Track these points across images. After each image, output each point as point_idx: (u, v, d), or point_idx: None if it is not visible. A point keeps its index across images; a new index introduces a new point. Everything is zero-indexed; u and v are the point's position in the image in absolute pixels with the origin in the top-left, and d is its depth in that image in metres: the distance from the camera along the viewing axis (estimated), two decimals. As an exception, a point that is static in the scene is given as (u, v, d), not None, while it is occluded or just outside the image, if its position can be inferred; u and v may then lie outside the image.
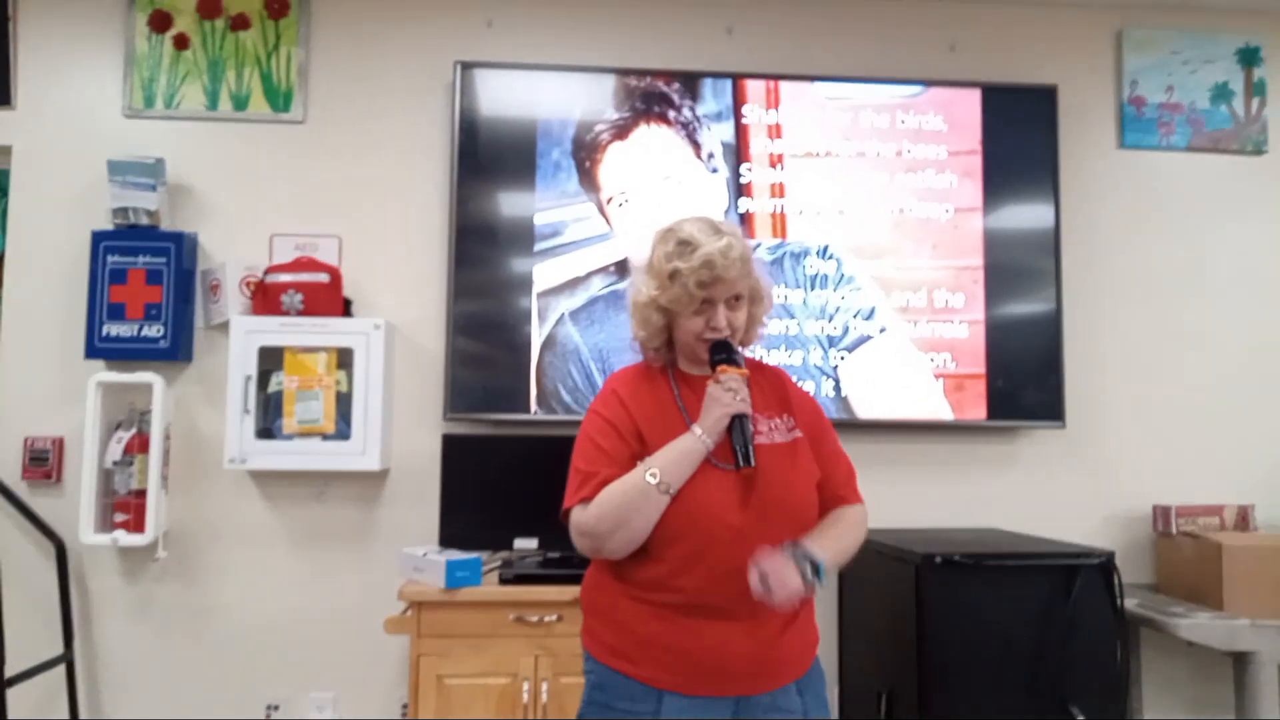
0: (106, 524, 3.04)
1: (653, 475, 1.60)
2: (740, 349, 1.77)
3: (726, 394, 1.65)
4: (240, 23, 3.28)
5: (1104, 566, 2.66)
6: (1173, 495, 3.31)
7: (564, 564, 2.85)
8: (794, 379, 1.92)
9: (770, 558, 1.56)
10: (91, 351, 3.07)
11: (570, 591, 2.69)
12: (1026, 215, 3.34)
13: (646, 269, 1.74)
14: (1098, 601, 2.66)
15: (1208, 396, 3.44)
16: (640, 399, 1.73)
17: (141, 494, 3.03)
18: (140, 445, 3.05)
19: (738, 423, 1.65)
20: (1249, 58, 3.52)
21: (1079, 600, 2.63)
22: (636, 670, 1.64)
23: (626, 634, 1.67)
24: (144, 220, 3.12)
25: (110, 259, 3.10)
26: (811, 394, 2.14)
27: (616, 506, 1.60)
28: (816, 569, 1.58)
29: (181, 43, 3.26)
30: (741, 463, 1.63)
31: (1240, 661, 2.81)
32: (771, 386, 1.83)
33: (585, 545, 1.66)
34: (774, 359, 3.20)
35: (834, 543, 1.70)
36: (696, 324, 1.70)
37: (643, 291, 1.72)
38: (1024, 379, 3.30)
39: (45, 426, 3.13)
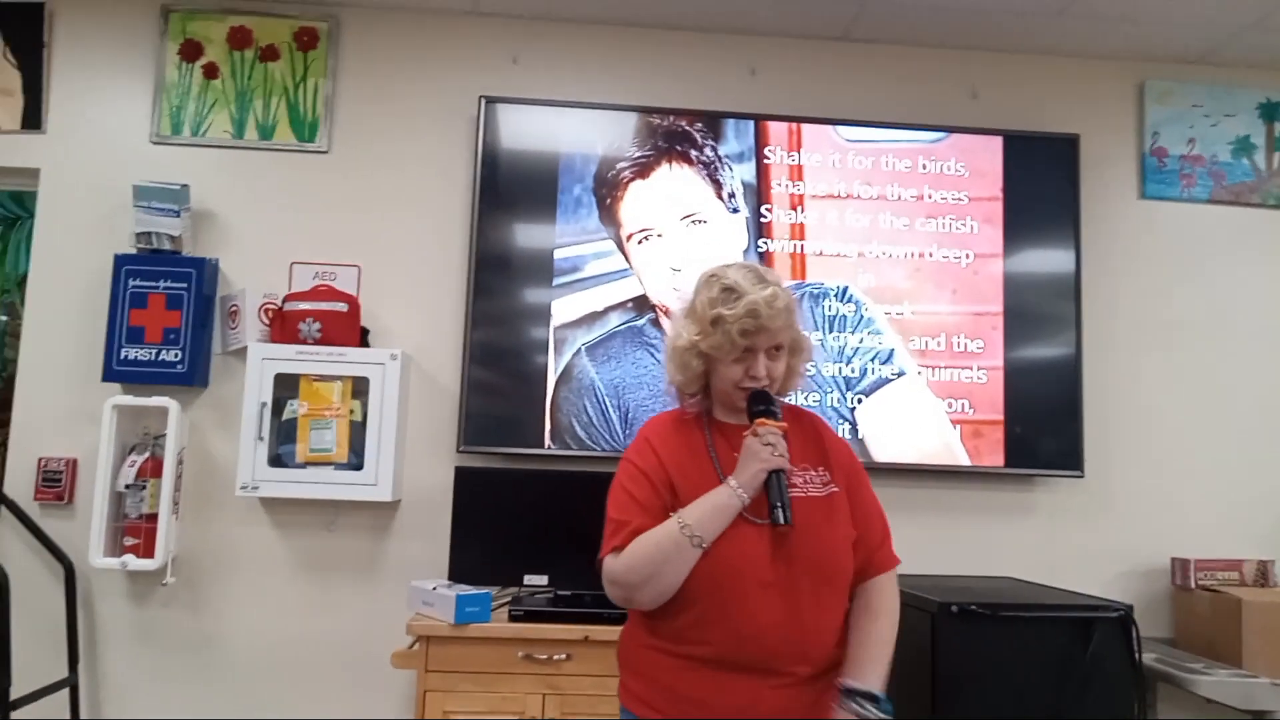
0: (116, 547, 3.03)
1: (685, 528, 1.58)
2: (778, 398, 1.74)
3: (765, 449, 1.62)
4: (270, 54, 3.32)
5: (1122, 620, 2.62)
6: (1192, 548, 3.27)
7: (575, 602, 2.82)
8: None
9: None
10: (109, 374, 3.08)
11: (581, 630, 2.67)
12: (1047, 263, 3.34)
13: (688, 313, 1.72)
14: (1115, 655, 2.61)
15: (1228, 449, 3.41)
16: (672, 447, 1.71)
17: (152, 518, 3.02)
18: (153, 469, 3.05)
19: (774, 478, 1.61)
20: (1270, 112, 3.53)
21: (1096, 653, 2.59)
22: (658, 717, 1.62)
23: (655, 685, 1.65)
24: (167, 245, 3.14)
25: (131, 283, 3.11)
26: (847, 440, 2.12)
27: (648, 558, 1.59)
28: (878, 702, 1.59)
29: (211, 72, 3.30)
30: (781, 520, 1.59)
31: (1260, 721, 2.76)
32: (808, 436, 1.79)
33: (617, 595, 1.64)
34: (793, 401, 3.18)
35: (881, 664, 1.67)
36: (736, 372, 1.68)
37: (683, 336, 1.70)
38: (1042, 427, 3.27)
39: (59, 448, 3.13)
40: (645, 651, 1.68)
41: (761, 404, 1.69)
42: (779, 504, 1.60)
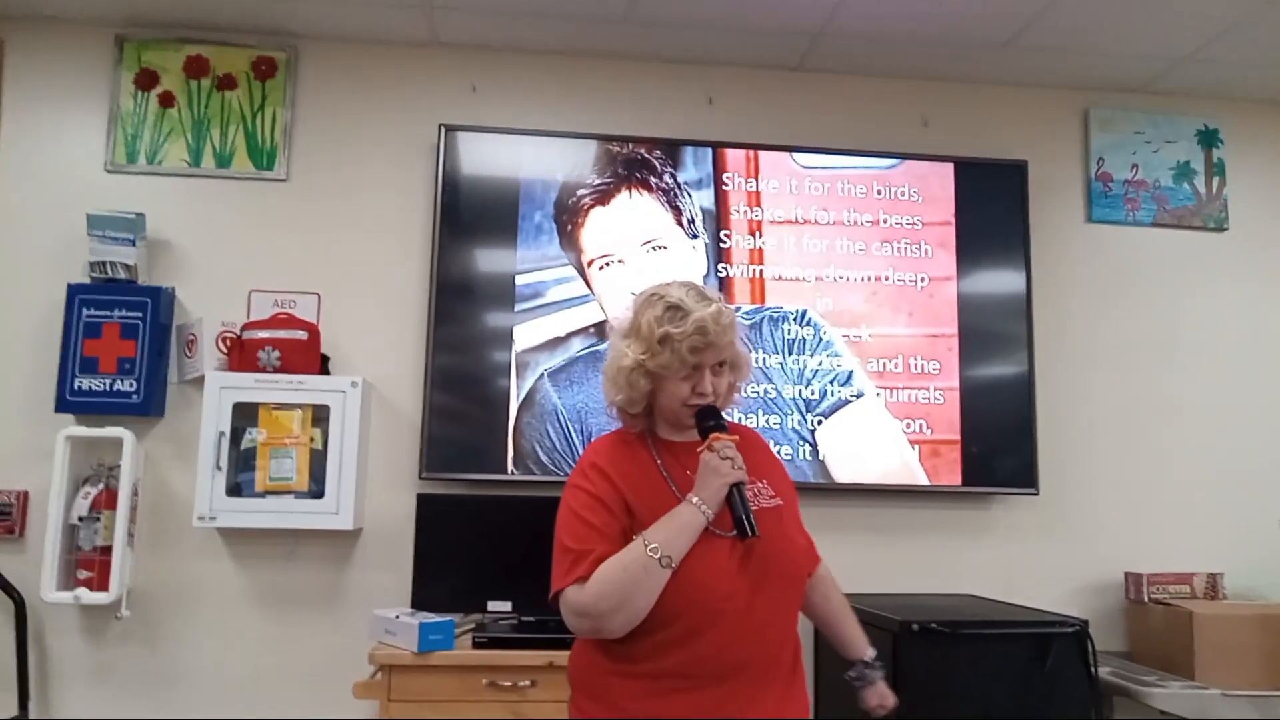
0: (69, 581, 2.97)
1: (654, 550, 1.57)
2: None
3: (724, 463, 1.64)
4: (227, 83, 3.31)
5: (1078, 635, 2.68)
6: (1145, 562, 3.34)
7: (539, 628, 2.82)
8: (771, 442, 1.94)
9: (888, 692, 1.89)
10: (62, 405, 3.03)
11: (545, 656, 2.66)
12: (999, 285, 3.42)
13: (630, 333, 1.72)
14: (1072, 670, 2.67)
15: (1178, 464, 3.50)
16: (623, 470, 1.70)
17: (107, 550, 2.97)
18: (108, 501, 3.00)
19: (736, 491, 1.63)
20: (1209, 139, 3.66)
21: (1054, 669, 2.64)
22: None
23: (618, 711, 1.62)
24: (121, 274, 3.10)
25: (85, 312, 3.07)
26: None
27: (617, 585, 1.56)
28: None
29: (167, 100, 3.28)
30: (748, 532, 1.61)
31: (1213, 732, 2.81)
32: (751, 450, 1.81)
33: (584, 626, 1.60)
34: (753, 423, 3.22)
35: (859, 627, 1.94)
36: (683, 390, 1.69)
37: (628, 355, 1.68)
38: (998, 446, 3.34)
39: (10, 480, 3.07)
40: (608, 678, 1.65)
41: (711, 419, 1.70)
42: (745, 516, 1.62)
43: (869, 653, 1.90)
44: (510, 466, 3.16)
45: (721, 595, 1.60)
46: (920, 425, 3.31)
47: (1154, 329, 3.57)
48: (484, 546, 2.99)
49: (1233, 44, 3.28)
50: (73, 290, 3.07)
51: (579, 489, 1.69)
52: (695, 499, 1.63)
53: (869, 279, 3.37)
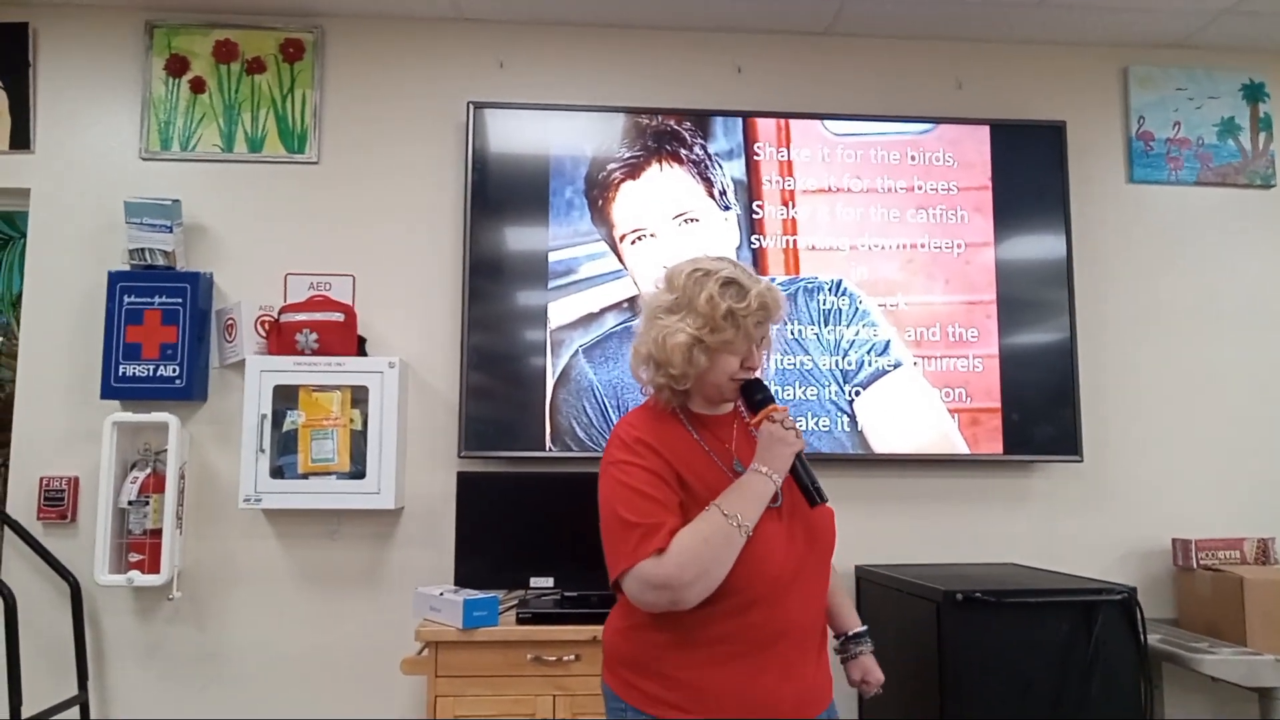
0: (121, 564, 3.03)
1: (732, 518, 1.59)
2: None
3: (788, 432, 1.67)
4: (256, 66, 3.32)
5: (1126, 602, 2.64)
6: (1192, 528, 3.30)
7: (581, 603, 2.84)
8: (809, 414, 1.94)
9: (873, 667, 1.90)
10: (107, 391, 3.08)
11: (589, 631, 2.67)
12: (1038, 250, 3.36)
13: (679, 308, 1.71)
14: (1120, 637, 2.63)
15: (1225, 428, 3.44)
16: (668, 443, 1.70)
17: (156, 534, 3.03)
18: (155, 485, 3.05)
19: (799, 460, 1.68)
20: (1254, 93, 3.56)
21: (1101, 637, 2.61)
22: (689, 717, 1.61)
23: (677, 684, 1.63)
24: (160, 261, 3.14)
25: (127, 299, 3.11)
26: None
27: (697, 555, 1.57)
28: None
29: (198, 86, 3.30)
30: (817, 499, 1.68)
31: (1265, 697, 2.77)
32: None
33: (661, 599, 1.59)
34: (790, 394, 3.20)
35: (849, 600, 1.99)
36: (733, 364, 1.71)
37: (683, 331, 1.68)
38: (1039, 413, 3.29)
39: (60, 466, 3.13)
40: (659, 650, 1.66)
41: (761, 392, 1.74)
42: (813, 483, 1.68)
43: (856, 626, 1.93)
44: (548, 443, 3.16)
45: (777, 564, 1.64)
46: (959, 394, 3.28)
47: (1199, 290, 3.50)
48: (525, 523, 3.01)
49: (1279, -6, 3.18)
50: (113, 278, 3.11)
51: (628, 464, 1.67)
52: (764, 468, 1.65)
53: (904, 246, 3.33)
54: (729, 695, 1.61)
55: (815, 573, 1.72)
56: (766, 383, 1.78)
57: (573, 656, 2.70)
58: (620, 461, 1.69)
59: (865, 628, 1.94)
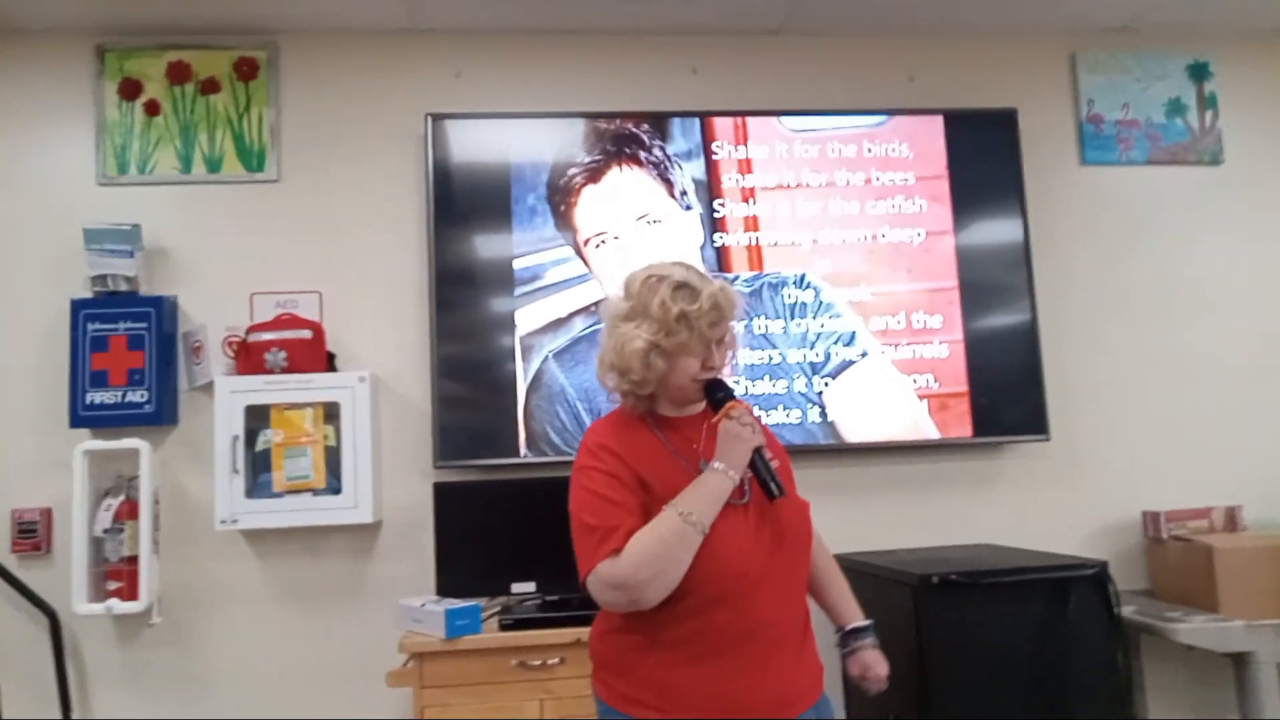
0: (99, 593, 3.00)
1: (686, 516, 1.60)
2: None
3: (745, 428, 1.69)
4: (210, 86, 3.31)
5: (1098, 576, 2.70)
6: (1161, 500, 3.36)
7: (563, 606, 2.85)
8: (779, 407, 1.96)
9: (875, 663, 1.88)
10: (76, 420, 3.05)
11: (572, 634, 2.69)
12: (996, 235, 3.42)
13: (635, 315, 1.74)
14: (1095, 611, 2.69)
15: (1188, 401, 3.51)
16: (631, 448, 1.72)
17: (133, 560, 3.00)
18: (130, 511, 3.03)
19: (758, 456, 1.69)
20: (1199, 73, 3.64)
21: (1076, 612, 2.66)
22: (660, 717, 1.63)
23: (646, 684, 1.65)
24: (123, 287, 3.12)
25: (91, 327, 3.08)
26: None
27: (652, 554, 1.59)
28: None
29: (152, 109, 3.28)
30: (775, 493, 1.68)
31: (1239, 662, 2.84)
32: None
33: (621, 599, 1.61)
34: (759, 388, 3.23)
35: (849, 593, 1.97)
36: (693, 366, 1.73)
37: (639, 338, 1.70)
38: (1006, 395, 3.35)
39: (32, 498, 3.10)
40: (631, 652, 1.68)
41: (721, 390, 1.76)
42: (770, 478, 1.68)
43: (856, 619, 1.93)
44: (523, 449, 3.17)
45: (743, 561, 1.65)
46: (927, 380, 3.32)
47: (1156, 267, 3.57)
48: (503, 530, 3.02)
49: (1217, -26, 3.26)
50: (76, 305, 3.09)
51: (592, 469, 1.70)
52: (720, 465, 1.67)
53: (865, 238, 3.37)
54: (699, 695, 1.62)
55: (789, 569, 1.72)
56: (734, 379, 1.81)
57: (557, 660, 2.71)
58: (584, 467, 1.72)
59: (869, 622, 1.93)
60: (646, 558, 1.59)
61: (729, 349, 1.81)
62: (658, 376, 1.73)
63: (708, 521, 1.62)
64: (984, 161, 3.44)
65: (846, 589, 1.98)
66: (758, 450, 1.69)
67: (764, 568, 1.67)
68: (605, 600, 1.64)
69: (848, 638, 1.92)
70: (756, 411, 3.12)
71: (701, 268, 1.81)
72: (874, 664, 1.90)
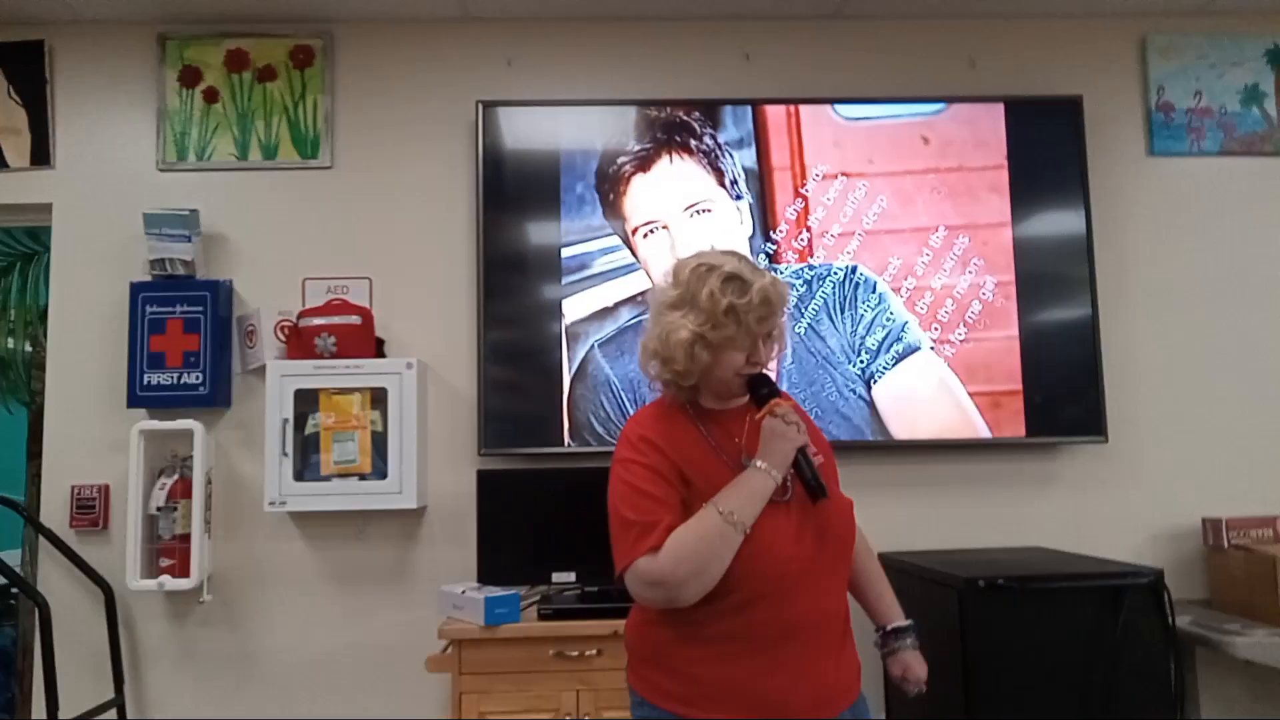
0: (152, 569, 3.09)
1: (728, 515, 1.58)
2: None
3: (789, 427, 1.66)
4: (267, 74, 3.35)
5: (1153, 585, 2.60)
6: (1222, 507, 3.24)
7: (603, 597, 2.85)
8: (828, 401, 1.92)
9: (915, 664, 1.86)
10: (133, 400, 3.14)
11: (610, 625, 2.69)
12: (1057, 228, 3.31)
13: (682, 304, 1.70)
14: (1148, 621, 2.59)
15: (1252, 405, 3.37)
16: (672, 441, 1.70)
17: (186, 539, 3.08)
18: (183, 491, 3.11)
19: (802, 455, 1.66)
20: (1278, 58, 3.46)
21: (1129, 621, 2.57)
22: (699, 714, 1.62)
23: (683, 678, 1.64)
24: (180, 270, 3.18)
25: (149, 309, 3.16)
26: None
27: (693, 552, 1.57)
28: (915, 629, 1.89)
29: (211, 96, 3.34)
30: (819, 494, 1.65)
31: (1300, 678, 2.73)
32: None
33: (658, 595, 1.60)
34: (808, 382, 3.19)
35: (890, 592, 1.94)
36: (738, 360, 1.69)
37: (684, 328, 1.67)
38: (1062, 394, 3.25)
39: (91, 475, 3.20)
40: (670, 645, 1.67)
41: (765, 386, 1.73)
42: (814, 478, 1.65)
43: (897, 620, 1.89)
44: (567, 439, 3.18)
45: (784, 560, 1.63)
46: (980, 376, 3.24)
47: (1224, 263, 3.42)
48: (545, 519, 3.03)
49: (1301, -44, 3.10)
50: (135, 288, 3.17)
51: (633, 462, 1.68)
52: (762, 464, 1.64)
53: (919, 230, 3.29)
54: (735, 692, 1.61)
55: (830, 568, 1.69)
56: (781, 371, 1.78)
57: (595, 651, 2.71)
58: (625, 459, 1.70)
59: (909, 622, 1.90)
60: (686, 556, 1.57)
61: (776, 344, 1.77)
62: (702, 368, 1.70)
63: (749, 521, 1.60)
64: (1046, 151, 3.33)
65: (888, 588, 1.95)
66: (801, 450, 1.66)
67: (805, 567, 1.64)
68: (642, 596, 1.63)
69: (888, 638, 1.89)
70: (802, 405, 3.13)
71: (751, 258, 1.77)
72: (914, 665, 1.87)
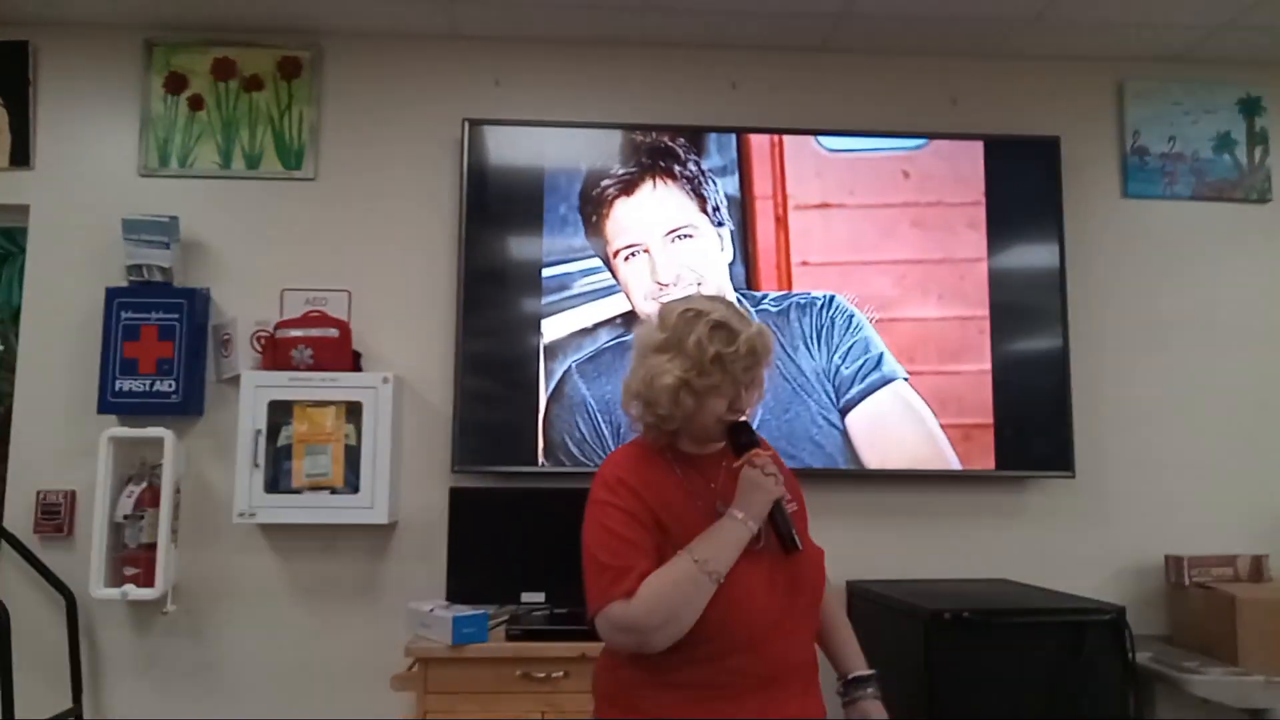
0: (116, 578, 3.05)
1: (702, 564, 1.58)
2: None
3: (768, 479, 1.66)
4: (254, 84, 3.35)
5: (1114, 622, 2.64)
6: (1185, 545, 3.28)
7: (571, 619, 2.84)
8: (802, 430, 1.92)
9: (874, 712, 1.80)
10: (104, 406, 3.11)
11: (578, 648, 2.68)
12: (1032, 265, 3.36)
13: (667, 348, 1.70)
14: (1109, 657, 2.64)
15: (1219, 444, 3.43)
16: (649, 485, 1.69)
17: (151, 548, 3.05)
18: (151, 499, 3.08)
19: (777, 507, 1.66)
20: (1250, 108, 3.55)
21: (1090, 656, 2.61)
22: None
23: None
24: (158, 277, 3.17)
25: (124, 315, 3.14)
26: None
27: (666, 600, 1.57)
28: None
29: (196, 104, 3.33)
30: (792, 547, 1.65)
31: (1256, 719, 2.77)
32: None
33: (629, 641, 1.60)
34: (783, 411, 3.21)
35: (853, 640, 1.91)
36: (721, 406, 1.69)
37: (670, 373, 1.66)
38: (1032, 429, 3.29)
39: (57, 480, 3.16)
40: (639, 689, 1.66)
41: (746, 435, 1.72)
42: (789, 531, 1.65)
43: (859, 669, 1.86)
44: (541, 458, 3.18)
45: (756, 611, 1.62)
46: (952, 409, 3.28)
47: (1195, 305, 3.49)
48: (516, 538, 3.03)
49: (1275, 8, 3.17)
50: (111, 294, 3.14)
51: (609, 505, 1.67)
52: (739, 514, 1.63)
53: (897, 262, 3.33)
54: None
55: (800, 619, 1.70)
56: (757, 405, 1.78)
57: (562, 673, 2.71)
58: (600, 501, 1.69)
59: (872, 672, 1.87)
60: (659, 603, 1.57)
61: (757, 391, 1.77)
62: (685, 414, 1.69)
63: (723, 570, 1.59)
64: (1023, 189, 3.39)
65: (852, 637, 1.93)
66: (777, 502, 1.66)
67: (776, 618, 1.64)
68: (613, 641, 1.63)
69: (850, 686, 1.86)
70: (776, 432, 3.15)
71: (729, 288, 1.78)
72: (873, 713, 1.84)
